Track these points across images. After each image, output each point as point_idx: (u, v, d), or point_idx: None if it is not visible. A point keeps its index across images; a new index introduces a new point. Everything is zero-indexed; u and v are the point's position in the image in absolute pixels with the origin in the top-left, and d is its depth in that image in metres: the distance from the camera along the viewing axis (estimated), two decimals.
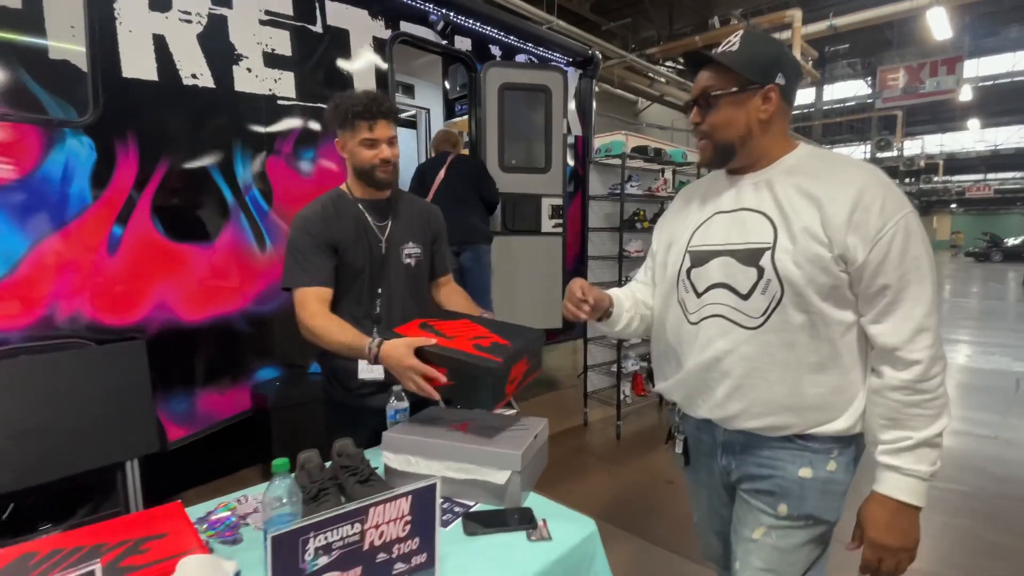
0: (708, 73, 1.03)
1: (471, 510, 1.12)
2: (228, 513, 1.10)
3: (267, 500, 0.89)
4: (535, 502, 1.17)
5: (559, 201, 3.52)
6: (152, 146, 2.23)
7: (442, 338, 1.25)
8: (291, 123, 2.61)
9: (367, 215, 1.48)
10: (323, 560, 0.75)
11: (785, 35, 9.28)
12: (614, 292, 1.24)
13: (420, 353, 1.21)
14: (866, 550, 0.97)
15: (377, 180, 1.44)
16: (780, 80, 0.99)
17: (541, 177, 3.49)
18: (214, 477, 2.80)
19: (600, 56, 4.19)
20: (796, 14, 8.86)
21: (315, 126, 2.69)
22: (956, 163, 24.74)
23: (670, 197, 3.74)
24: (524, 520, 1.07)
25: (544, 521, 1.07)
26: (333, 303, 1.44)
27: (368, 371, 1.44)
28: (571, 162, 3.98)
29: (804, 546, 1.02)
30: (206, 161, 2.37)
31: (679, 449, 1.23)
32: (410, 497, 0.82)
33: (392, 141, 1.43)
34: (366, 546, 0.79)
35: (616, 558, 2.06)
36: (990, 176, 26.21)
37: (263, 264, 2.53)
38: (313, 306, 1.39)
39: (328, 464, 1.22)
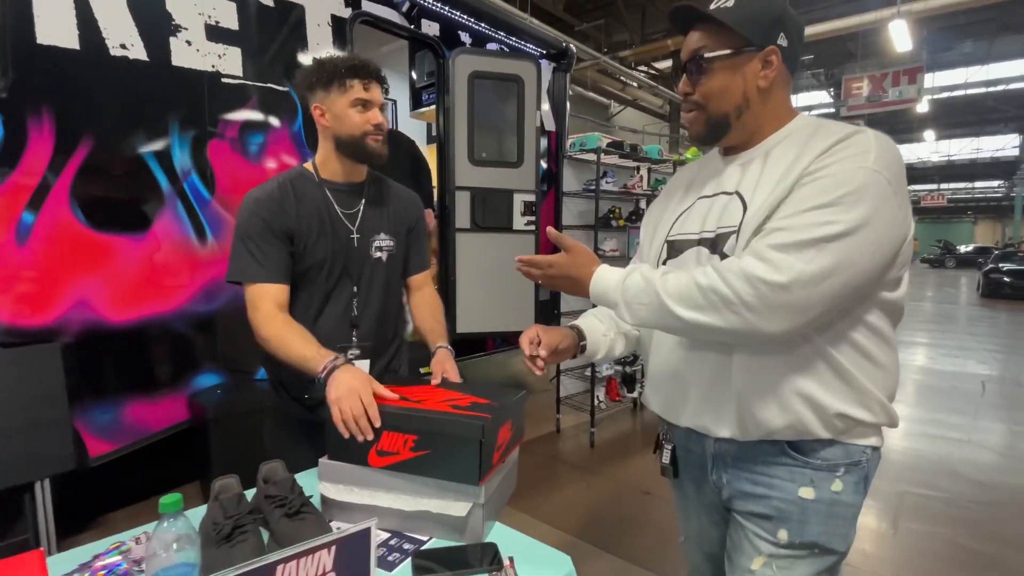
0: (700, 33, 0.88)
1: (424, 547, 0.93)
2: (118, 558, 0.89)
3: (151, 548, 0.69)
4: (501, 534, 0.98)
5: (532, 197, 3.35)
6: (72, 124, 1.97)
7: (406, 401, 1.02)
8: (237, 104, 2.37)
9: (333, 201, 1.27)
10: None
11: None
12: (585, 319, 1.10)
13: (382, 415, 0.97)
14: (549, 259, 0.95)
15: (368, 150, 1.23)
16: (782, 41, 0.85)
17: (513, 171, 3.31)
18: (147, 496, 2.52)
19: (574, 49, 4.05)
20: None
21: (265, 108, 2.45)
22: (912, 173, 25.74)
23: (646, 195, 3.63)
24: (487, 559, 0.88)
25: (511, 560, 0.89)
26: (289, 303, 1.24)
27: None
28: (544, 160, 3.83)
29: None
30: (137, 142, 2.12)
31: (667, 459, 1.07)
32: (333, 549, 0.63)
33: (383, 109, 1.25)
34: None
35: None
36: (944, 186, 27.37)
37: (203, 258, 2.28)
38: (268, 307, 1.18)
39: (255, 491, 1.01)
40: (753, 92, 0.86)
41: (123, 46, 2.05)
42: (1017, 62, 14.45)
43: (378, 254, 1.32)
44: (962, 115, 18.11)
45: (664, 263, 0.97)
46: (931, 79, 14.55)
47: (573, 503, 2.53)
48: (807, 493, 0.85)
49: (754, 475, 0.90)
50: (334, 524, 0.98)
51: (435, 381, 1.19)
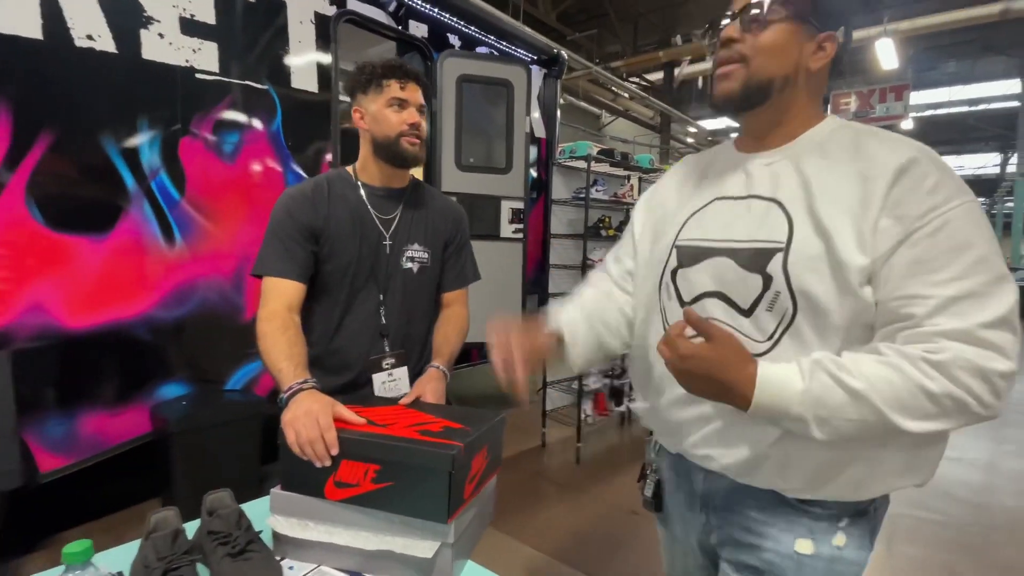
0: None
1: None
2: None
3: None
4: (473, 575, 0.88)
5: (520, 204, 3.27)
6: (30, 117, 1.85)
7: (371, 425, 0.91)
8: (212, 101, 2.26)
9: (370, 205, 1.23)
10: None
11: None
12: (563, 320, 0.95)
13: (340, 442, 0.87)
14: (683, 348, 0.72)
15: (403, 153, 1.20)
16: (840, 36, 0.77)
17: (501, 178, 3.23)
18: (106, 512, 2.38)
19: (565, 56, 4.00)
20: None
21: (242, 106, 2.35)
22: None
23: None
24: None
25: None
26: (308, 307, 1.20)
27: (385, 389, 1.21)
28: (534, 167, 3.75)
29: None
30: (102, 139, 2.00)
31: (649, 492, 0.97)
32: None
33: (422, 111, 1.21)
34: None
35: None
36: None
37: (171, 261, 2.16)
38: (275, 304, 1.13)
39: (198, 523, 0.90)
40: (803, 69, 0.76)
41: (90, 37, 1.94)
42: (999, 83, 14.75)
43: (409, 264, 1.27)
44: (945, 133, 18.42)
45: (674, 273, 0.84)
46: (915, 97, 14.80)
47: (557, 523, 2.42)
48: (804, 547, 0.75)
49: (746, 520, 0.80)
50: (285, 563, 0.87)
51: (406, 401, 1.09)
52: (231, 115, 2.32)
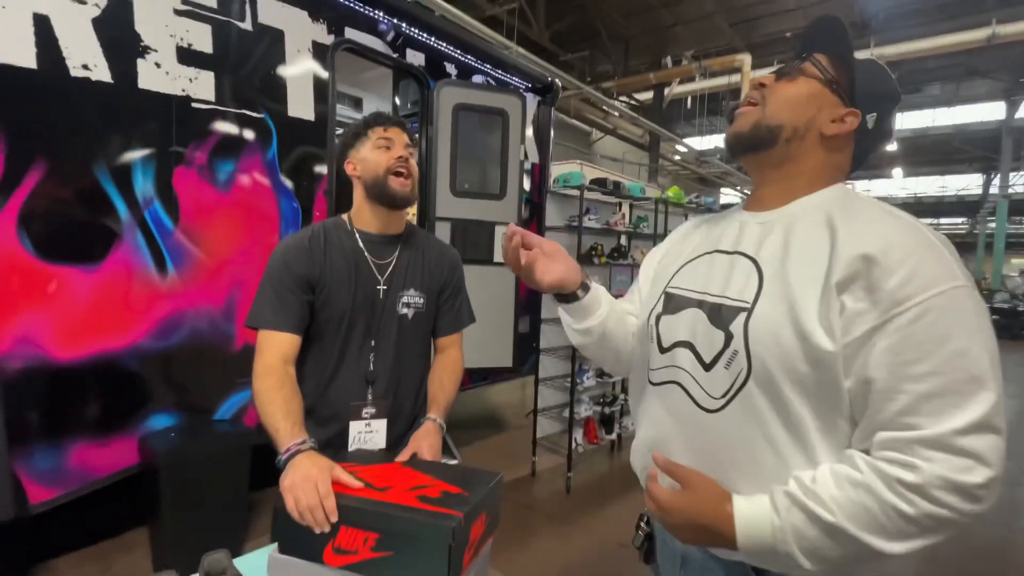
0: (823, 56, 0.81)
1: None
2: None
3: None
4: None
5: None
6: (23, 146, 1.84)
7: (370, 490, 0.92)
8: (207, 130, 2.26)
9: (365, 251, 1.25)
10: None
11: (735, 79, 9.62)
12: (597, 287, 0.96)
13: (339, 509, 0.88)
14: (663, 502, 0.75)
15: (391, 192, 1.22)
16: (869, 122, 0.78)
17: (495, 204, 3.25)
18: (94, 541, 2.34)
19: (560, 84, 4.06)
20: (745, 59, 9.20)
21: (237, 133, 2.35)
22: None
23: (628, 232, 3.60)
24: None
25: None
26: (303, 354, 1.21)
27: (361, 440, 1.20)
28: (528, 189, 3.78)
29: None
30: (96, 168, 1.99)
31: (638, 543, 0.98)
32: None
33: (409, 149, 1.25)
34: None
35: None
36: None
37: (162, 291, 2.15)
38: (270, 358, 1.13)
39: None
40: (815, 129, 0.78)
41: (85, 67, 1.94)
42: (982, 106, 15.13)
43: (404, 310, 1.27)
44: (929, 154, 18.82)
45: (659, 317, 0.86)
46: (900, 119, 15.16)
47: (547, 557, 2.41)
48: None
49: None
50: None
51: (402, 458, 1.09)
52: (226, 143, 2.32)
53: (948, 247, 0.68)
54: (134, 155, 2.07)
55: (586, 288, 0.92)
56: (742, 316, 0.73)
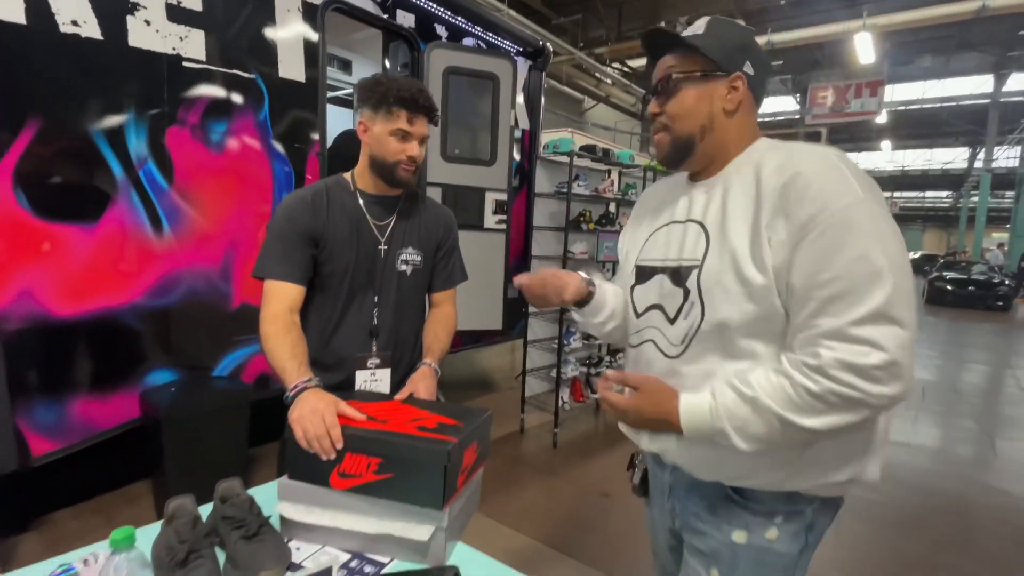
0: (671, 56, 0.91)
1: (385, 570, 0.93)
2: None
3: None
4: (463, 556, 0.99)
5: (503, 196, 3.33)
6: (16, 104, 1.85)
7: (372, 421, 1.01)
8: (199, 89, 2.27)
9: (366, 212, 1.30)
10: None
11: None
12: (599, 281, 1.09)
13: (344, 437, 0.96)
14: (619, 404, 0.90)
15: (396, 178, 1.26)
16: (748, 69, 0.88)
17: (485, 170, 3.29)
18: (97, 493, 2.43)
19: (551, 49, 4.04)
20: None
21: (229, 94, 2.36)
22: None
23: (616, 199, 3.66)
24: None
25: None
26: (307, 305, 1.27)
27: (366, 388, 1.29)
28: (517, 156, 3.81)
29: None
30: (89, 126, 2.00)
31: (637, 480, 1.11)
32: None
33: (424, 141, 1.27)
34: None
35: None
36: (897, 194, 28.64)
37: (159, 251, 2.19)
38: (277, 307, 1.20)
39: (211, 508, 0.99)
40: (718, 114, 0.88)
41: (75, 23, 1.93)
42: (971, 79, 15.16)
43: (403, 267, 1.34)
44: (917, 127, 18.92)
45: (633, 288, 0.99)
46: (890, 91, 15.17)
47: (535, 506, 2.56)
48: (739, 537, 0.86)
49: (699, 510, 0.92)
50: (293, 544, 0.96)
51: (401, 396, 1.18)
52: (218, 103, 2.33)
53: (850, 167, 0.76)
54: (126, 114, 2.08)
55: (593, 287, 1.05)
56: (695, 272, 0.85)
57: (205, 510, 1.02)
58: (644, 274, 0.97)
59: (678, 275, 0.88)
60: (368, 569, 0.93)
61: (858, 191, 0.74)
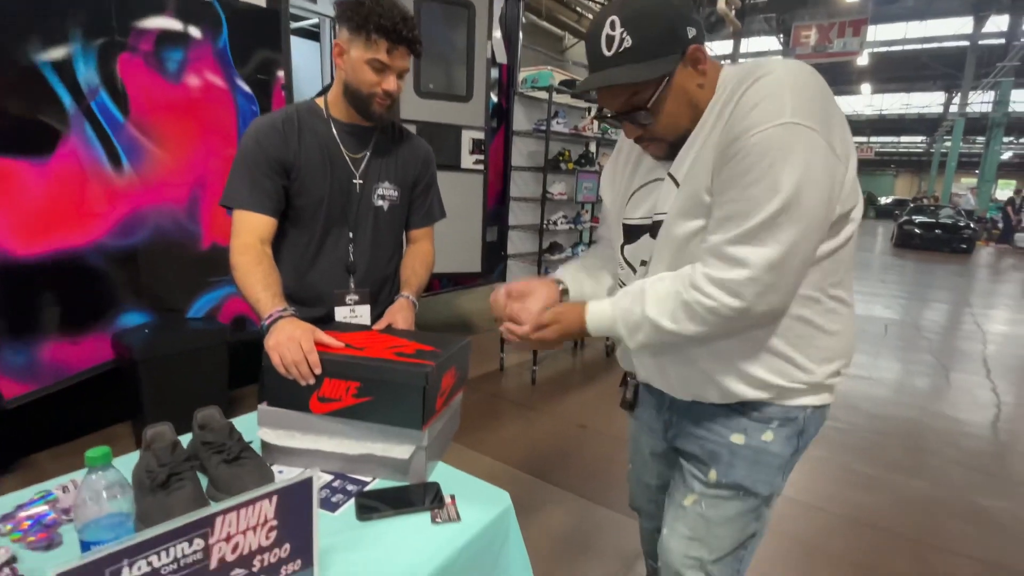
0: (622, 87, 0.82)
1: (367, 488, 0.96)
2: (44, 508, 0.85)
3: (81, 498, 0.67)
4: (444, 474, 1.02)
5: (481, 135, 3.25)
6: None
7: (349, 349, 1.00)
8: (151, 14, 2.10)
9: (340, 142, 1.23)
10: None
11: None
12: (569, 271, 1.08)
13: (322, 363, 0.96)
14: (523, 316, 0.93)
15: (370, 112, 1.19)
16: (691, 32, 0.80)
17: (461, 106, 3.18)
18: (77, 435, 2.43)
19: None
20: None
21: (184, 20, 2.19)
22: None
23: (596, 138, 3.60)
24: (429, 498, 0.92)
25: (453, 498, 0.93)
26: (280, 239, 1.23)
27: (347, 318, 1.27)
28: (495, 96, 3.68)
29: (734, 520, 0.95)
30: (33, 55, 1.86)
31: (630, 395, 1.16)
32: (275, 499, 0.63)
33: (403, 74, 1.18)
34: (214, 564, 0.60)
35: (528, 506, 2.06)
36: (873, 139, 28.79)
37: (120, 188, 2.10)
38: (247, 237, 1.15)
39: (190, 437, 0.99)
40: (696, 92, 0.83)
41: None
42: (953, 20, 14.99)
43: (380, 202, 1.30)
44: (897, 70, 18.80)
45: (623, 247, 0.99)
46: (872, 32, 14.95)
47: (514, 438, 2.65)
48: (738, 439, 0.92)
49: (698, 420, 0.98)
50: (275, 468, 0.98)
51: (380, 326, 1.18)
52: (173, 29, 2.17)
53: (798, 89, 0.73)
54: (73, 42, 1.93)
55: (566, 293, 1.04)
56: (665, 219, 0.88)
57: (187, 441, 1.02)
58: (631, 234, 0.97)
59: (654, 231, 0.90)
60: (350, 488, 0.96)
61: (786, 113, 0.71)
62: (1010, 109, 14.88)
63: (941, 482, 2.43)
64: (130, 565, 0.53)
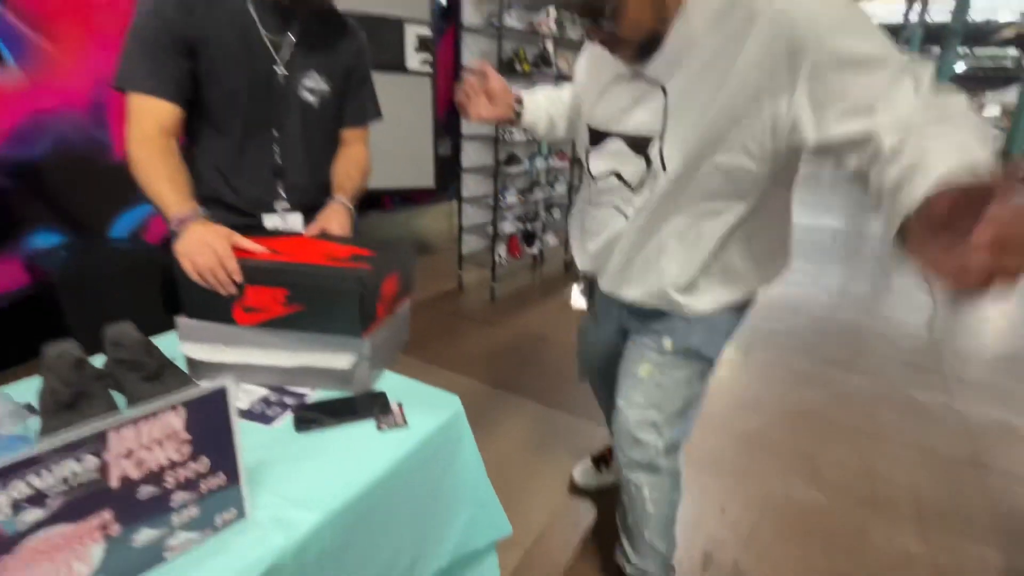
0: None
1: (306, 400, 0.90)
2: None
3: None
4: (392, 383, 0.97)
5: (427, 30, 2.96)
6: None
7: (274, 254, 0.89)
8: None
9: (257, 19, 1.03)
10: (33, 515, 0.48)
11: None
12: (529, 95, 1.13)
13: (242, 269, 0.86)
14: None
15: None
16: None
17: None
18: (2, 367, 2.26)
19: None
20: None
21: None
22: None
23: (552, 35, 3.35)
24: (374, 407, 0.87)
25: (400, 405, 0.89)
26: (197, 144, 1.07)
27: (277, 221, 1.15)
28: None
29: (685, 383, 1.03)
30: None
31: (585, 289, 1.24)
32: (183, 411, 0.56)
33: None
34: (115, 482, 0.53)
35: (486, 415, 2.09)
36: None
37: (8, 89, 1.81)
38: (148, 126, 0.97)
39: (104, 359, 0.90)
40: None
41: None
42: None
43: (309, 97, 1.12)
44: None
45: (588, 151, 0.98)
46: None
47: (474, 351, 2.65)
48: (691, 312, 0.99)
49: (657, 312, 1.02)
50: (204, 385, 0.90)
51: (311, 232, 1.07)
52: None
53: None
54: None
55: (519, 106, 1.07)
56: (656, 143, 0.84)
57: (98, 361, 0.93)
58: (597, 136, 0.95)
59: (636, 144, 0.87)
60: (288, 401, 0.89)
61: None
62: (968, 18, 14.81)
63: (879, 378, 2.59)
64: (4, 485, 0.46)
